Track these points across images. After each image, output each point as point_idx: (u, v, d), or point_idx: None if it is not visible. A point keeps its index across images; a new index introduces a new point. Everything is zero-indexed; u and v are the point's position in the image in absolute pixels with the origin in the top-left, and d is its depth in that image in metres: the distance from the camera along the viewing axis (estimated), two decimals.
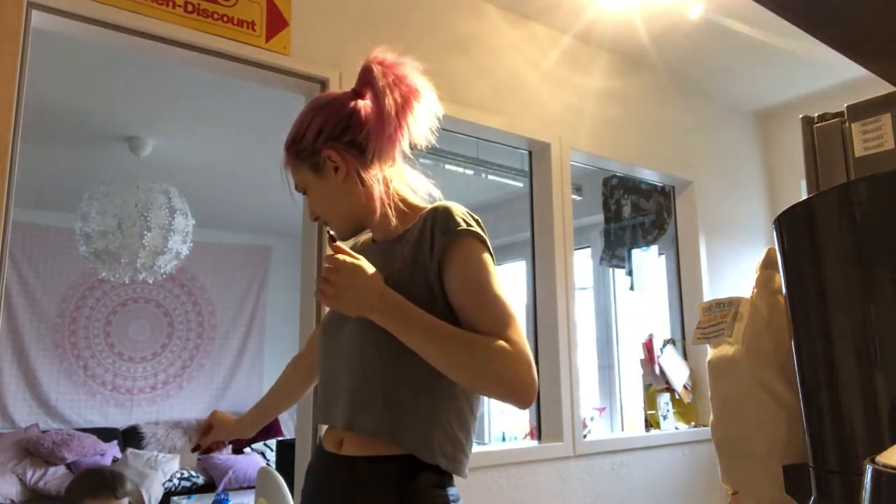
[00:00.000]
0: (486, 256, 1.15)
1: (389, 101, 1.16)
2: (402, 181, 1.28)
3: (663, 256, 3.70)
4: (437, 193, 1.32)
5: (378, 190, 1.22)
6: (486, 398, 1.24)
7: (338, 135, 1.20)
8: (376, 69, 1.19)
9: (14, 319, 5.09)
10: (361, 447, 1.16)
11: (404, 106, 1.18)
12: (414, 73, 1.22)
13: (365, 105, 1.21)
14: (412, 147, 1.24)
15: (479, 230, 1.16)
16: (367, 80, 1.21)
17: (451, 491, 1.16)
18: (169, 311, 5.84)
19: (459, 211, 1.17)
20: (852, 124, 1.27)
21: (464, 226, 1.14)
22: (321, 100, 1.26)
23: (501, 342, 1.06)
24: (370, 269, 1.12)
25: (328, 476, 1.20)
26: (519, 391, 1.05)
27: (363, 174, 1.21)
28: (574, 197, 3.12)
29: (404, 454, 1.13)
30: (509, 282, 5.00)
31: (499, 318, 1.09)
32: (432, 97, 1.23)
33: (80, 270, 5.34)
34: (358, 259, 1.13)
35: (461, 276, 1.13)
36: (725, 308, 1.46)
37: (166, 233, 3.70)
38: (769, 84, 3.68)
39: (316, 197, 1.26)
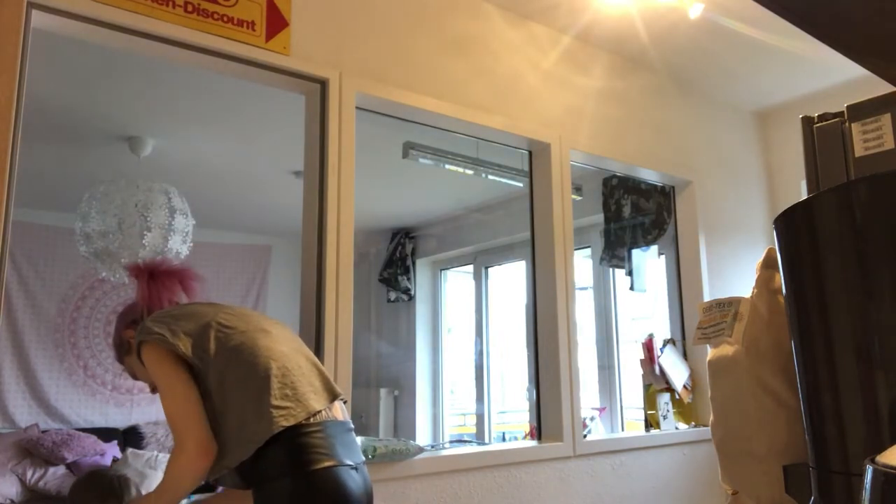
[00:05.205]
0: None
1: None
2: None
3: (663, 256, 3.70)
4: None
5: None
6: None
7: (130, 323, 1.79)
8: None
9: (14, 319, 5.08)
10: None
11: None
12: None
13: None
14: None
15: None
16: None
17: None
18: None
19: None
20: (852, 124, 1.27)
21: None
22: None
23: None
24: None
25: None
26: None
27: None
28: (574, 197, 3.11)
29: None
30: (508, 282, 4.99)
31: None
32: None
33: (80, 270, 5.33)
34: None
35: None
36: (725, 308, 1.46)
37: (166, 233, 3.70)
38: (769, 84, 3.68)
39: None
